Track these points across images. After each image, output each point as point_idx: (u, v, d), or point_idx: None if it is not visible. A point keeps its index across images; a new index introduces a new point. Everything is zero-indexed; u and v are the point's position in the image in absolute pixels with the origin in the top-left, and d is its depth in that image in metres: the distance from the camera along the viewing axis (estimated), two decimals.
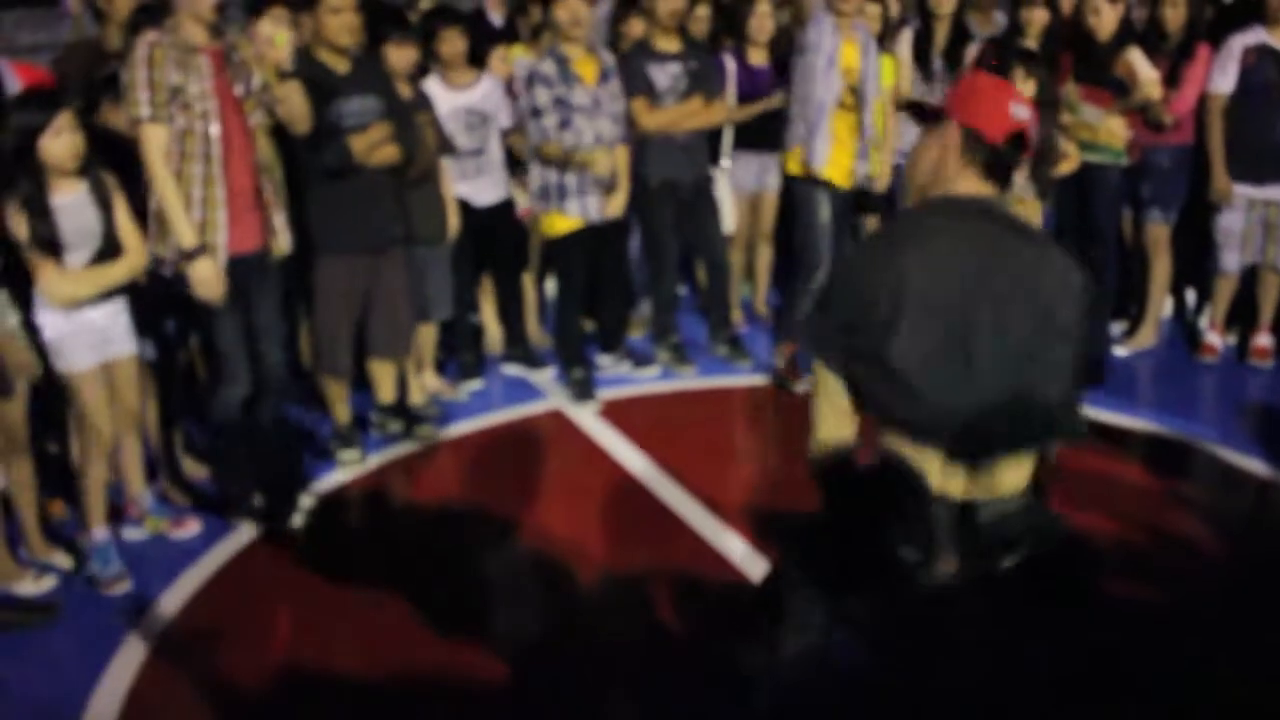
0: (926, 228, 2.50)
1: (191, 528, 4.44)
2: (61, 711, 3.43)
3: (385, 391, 5.22)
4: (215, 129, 4.03)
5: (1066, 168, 5.60)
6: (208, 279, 4.04)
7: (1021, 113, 2.54)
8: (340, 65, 4.69)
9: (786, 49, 6.01)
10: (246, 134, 4.17)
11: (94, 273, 3.92)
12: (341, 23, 4.62)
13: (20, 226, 3.76)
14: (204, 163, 4.04)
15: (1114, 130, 5.72)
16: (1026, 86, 5.21)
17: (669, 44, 5.71)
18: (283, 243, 4.39)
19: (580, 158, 5.38)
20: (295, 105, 4.34)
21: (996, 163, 2.53)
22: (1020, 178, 5.41)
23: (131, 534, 4.36)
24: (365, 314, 4.96)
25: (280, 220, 4.36)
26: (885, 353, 2.40)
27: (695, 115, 5.75)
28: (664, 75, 5.67)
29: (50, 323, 3.89)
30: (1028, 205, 5.48)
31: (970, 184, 2.54)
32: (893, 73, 6.03)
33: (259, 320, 4.38)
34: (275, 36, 4.13)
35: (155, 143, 3.96)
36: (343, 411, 5.07)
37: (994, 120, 2.52)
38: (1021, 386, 2.43)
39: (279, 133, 4.42)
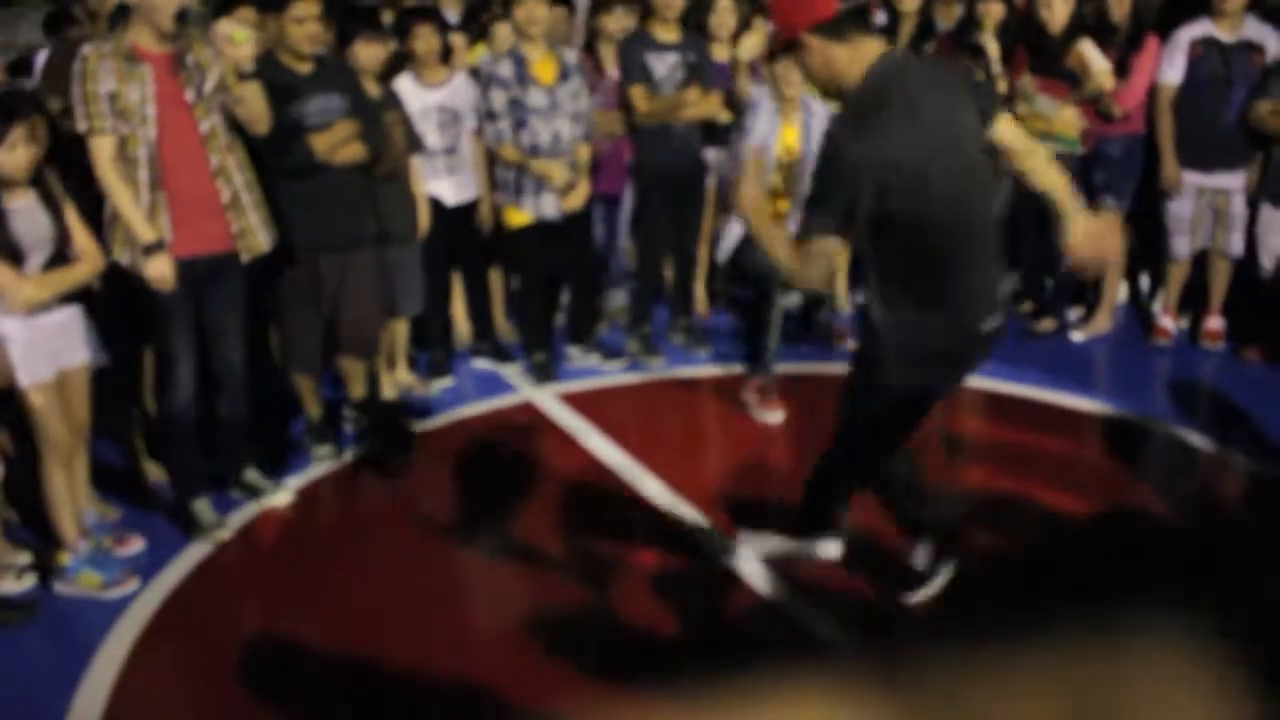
0: (888, 108, 2.92)
1: (134, 545, 4.38)
2: (46, 712, 3.46)
3: (357, 387, 5.27)
4: (153, 134, 4.06)
5: None
6: (164, 276, 4.10)
7: None
8: (303, 66, 4.72)
9: None
10: (197, 138, 4.18)
11: (54, 276, 3.92)
12: (305, 32, 4.64)
13: None
14: (147, 168, 4.08)
15: (1068, 120, 5.86)
16: None
17: (668, 34, 5.77)
18: (255, 242, 4.40)
19: (536, 168, 5.50)
20: (254, 106, 4.32)
21: (860, 19, 2.96)
22: None
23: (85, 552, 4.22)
24: (334, 312, 5.00)
25: (251, 220, 4.36)
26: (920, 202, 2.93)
27: (690, 105, 5.80)
28: (662, 65, 5.74)
29: (9, 332, 3.88)
30: None
31: (869, 48, 2.94)
32: None
33: (217, 320, 4.41)
34: (234, 34, 4.08)
35: (100, 153, 4.04)
36: (314, 407, 5.12)
37: (817, 2, 2.94)
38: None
39: (245, 133, 4.44)
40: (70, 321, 4.06)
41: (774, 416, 5.38)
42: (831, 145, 2.92)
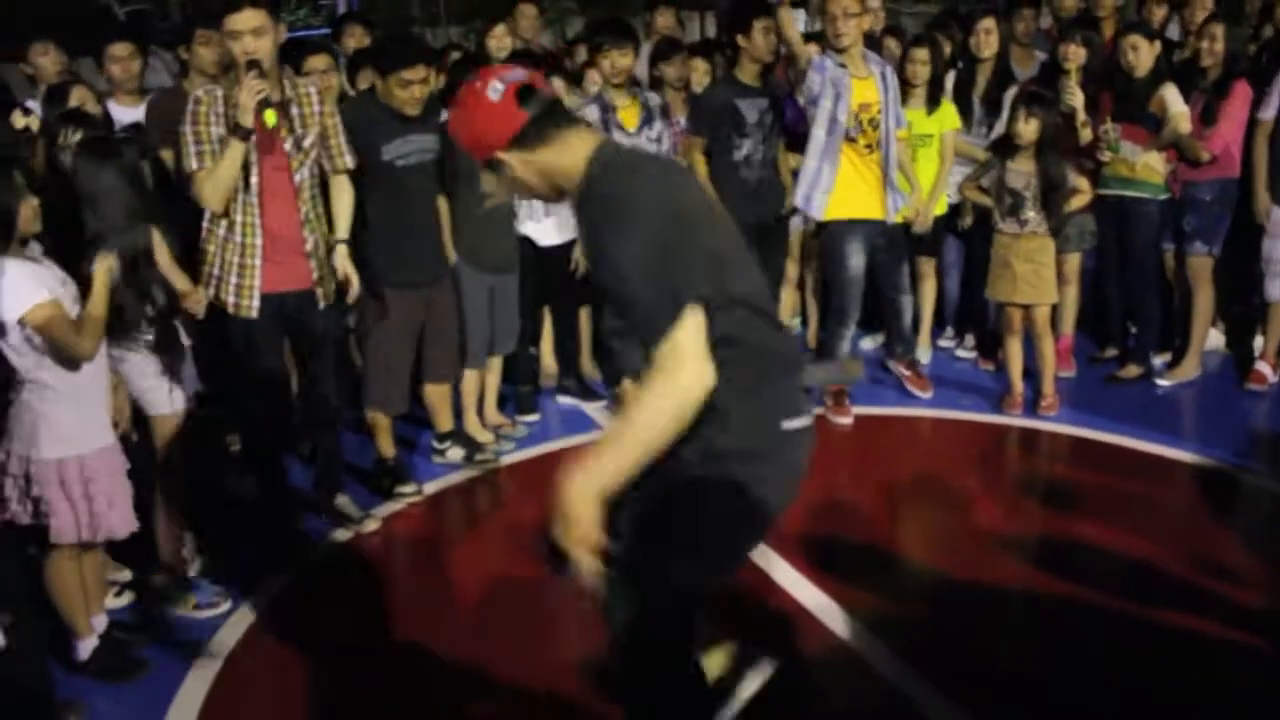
0: (633, 173, 2.59)
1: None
2: None
3: (444, 420, 5.45)
4: (255, 179, 4.26)
5: (1079, 203, 5.73)
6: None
7: (497, 85, 2.57)
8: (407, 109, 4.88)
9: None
10: (291, 187, 4.35)
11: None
12: (409, 95, 4.81)
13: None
14: (243, 211, 4.28)
15: (1151, 165, 5.84)
16: (1028, 128, 5.45)
17: (754, 79, 5.91)
18: (331, 290, 4.56)
19: None
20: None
21: (553, 113, 2.60)
22: (1031, 213, 5.56)
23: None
24: (420, 345, 5.17)
25: (329, 269, 4.54)
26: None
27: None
28: (753, 110, 5.87)
29: (150, 371, 4.07)
30: (1036, 240, 5.61)
31: (578, 139, 2.62)
32: (954, 116, 6.20)
33: (308, 354, 4.60)
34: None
35: (203, 189, 4.22)
36: (389, 446, 5.24)
37: (500, 118, 2.57)
38: None
39: None
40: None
41: (843, 421, 5.66)
42: (604, 215, 2.51)
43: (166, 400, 4.13)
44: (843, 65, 5.56)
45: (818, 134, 5.63)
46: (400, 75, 4.77)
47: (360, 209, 4.76)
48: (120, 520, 3.73)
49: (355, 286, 4.62)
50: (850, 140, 5.64)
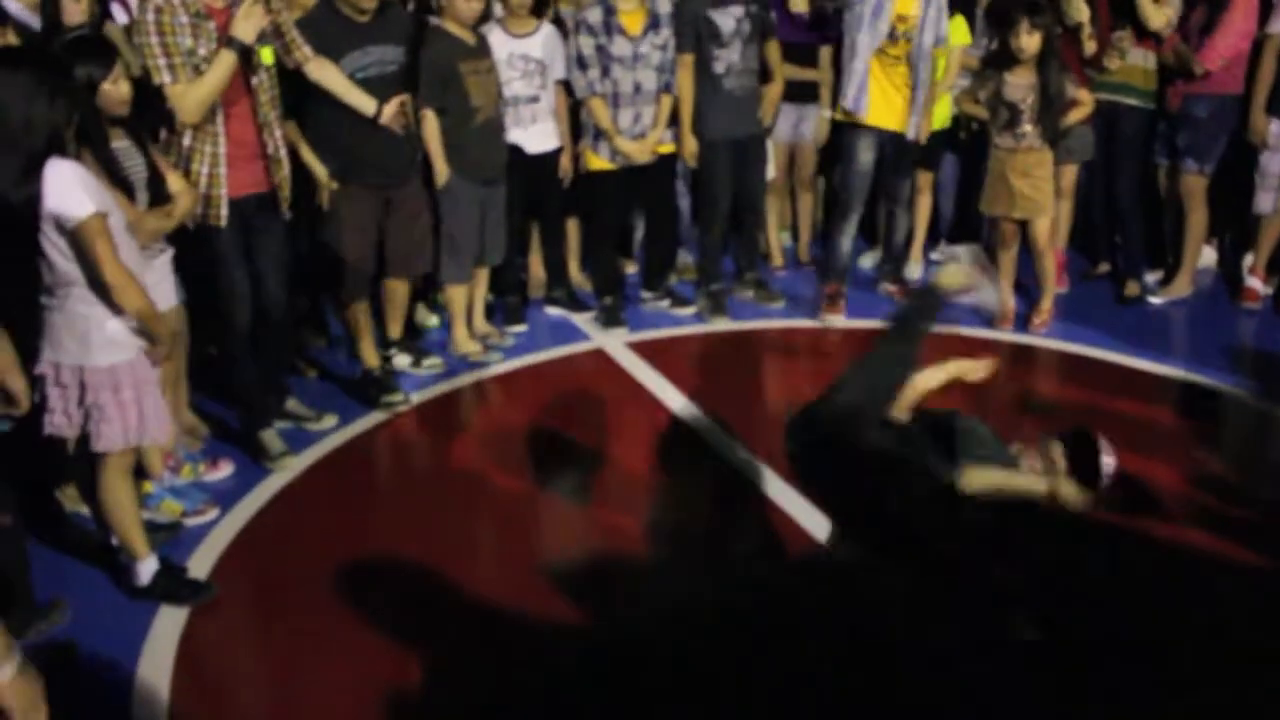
0: None
1: (225, 469, 4.56)
2: (125, 635, 3.60)
3: (395, 325, 5.40)
4: None
5: (1079, 115, 5.66)
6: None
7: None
8: (361, 15, 4.78)
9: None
10: (248, 90, 4.30)
11: (167, 209, 4.00)
12: None
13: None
14: (208, 119, 4.21)
15: (1151, 73, 5.83)
16: (1032, 40, 5.33)
17: None
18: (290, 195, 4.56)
19: (620, 146, 5.68)
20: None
21: None
22: (1028, 126, 5.49)
23: (169, 482, 4.38)
24: (382, 240, 5.10)
25: (287, 172, 4.50)
26: None
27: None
28: (728, 19, 5.73)
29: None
30: (1034, 154, 5.53)
31: None
32: (964, 31, 6.08)
33: (264, 256, 4.54)
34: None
35: (185, 102, 4.15)
36: (370, 354, 5.20)
37: None
38: None
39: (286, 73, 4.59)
40: (165, 266, 4.21)
41: (834, 320, 5.71)
42: None
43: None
44: None
45: (861, 39, 5.61)
46: None
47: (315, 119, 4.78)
48: (162, 425, 3.67)
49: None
50: (879, 51, 5.61)
